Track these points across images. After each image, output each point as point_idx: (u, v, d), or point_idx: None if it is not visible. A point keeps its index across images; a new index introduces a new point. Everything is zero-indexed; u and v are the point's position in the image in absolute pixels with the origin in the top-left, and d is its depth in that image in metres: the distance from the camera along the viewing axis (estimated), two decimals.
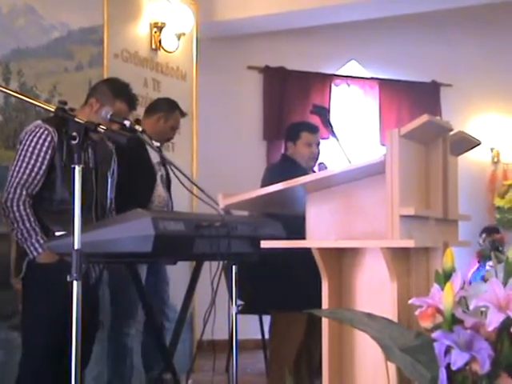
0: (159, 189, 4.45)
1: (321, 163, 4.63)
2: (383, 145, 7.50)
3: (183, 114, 4.69)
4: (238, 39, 7.31)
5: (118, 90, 3.58)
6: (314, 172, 4.57)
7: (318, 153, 4.57)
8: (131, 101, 3.62)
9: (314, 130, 4.58)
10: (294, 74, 7.73)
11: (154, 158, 4.46)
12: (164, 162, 4.39)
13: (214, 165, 6.61)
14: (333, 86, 7.91)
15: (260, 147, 7.51)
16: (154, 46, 5.54)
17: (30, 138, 3.35)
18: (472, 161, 7.81)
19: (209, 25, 6.37)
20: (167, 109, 4.57)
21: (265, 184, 3.91)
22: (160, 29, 5.56)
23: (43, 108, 2.77)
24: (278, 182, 2.45)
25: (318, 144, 4.58)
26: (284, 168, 4.42)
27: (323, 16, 6.86)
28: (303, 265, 2.88)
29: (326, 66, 7.90)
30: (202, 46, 6.05)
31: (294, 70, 7.73)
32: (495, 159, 8.40)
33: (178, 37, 5.74)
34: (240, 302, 4.14)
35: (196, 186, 3.72)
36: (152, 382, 4.39)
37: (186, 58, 5.85)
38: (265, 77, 7.71)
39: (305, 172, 4.36)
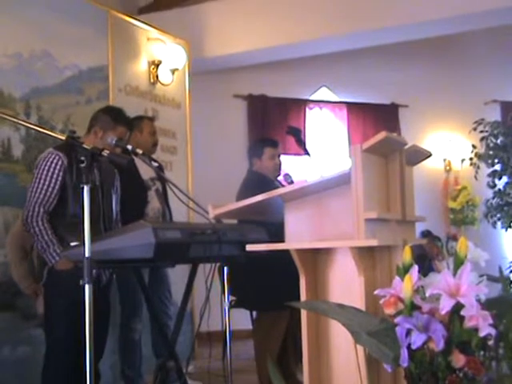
0: (153, 202, 4.38)
1: (286, 173, 4.59)
2: None
3: (151, 119, 4.66)
4: (224, 72, 7.32)
5: (116, 116, 3.58)
6: (279, 181, 4.53)
7: (280, 164, 4.50)
8: (129, 123, 3.65)
9: (275, 144, 4.53)
10: (274, 100, 7.75)
11: (145, 174, 4.37)
12: (162, 179, 4.36)
13: (206, 181, 6.58)
14: (307, 109, 7.94)
15: (246, 165, 7.46)
16: (152, 81, 5.54)
17: (44, 162, 3.36)
18: (428, 170, 7.90)
19: (199, 61, 6.38)
20: (136, 122, 4.41)
21: (240, 197, 3.86)
22: (157, 65, 5.57)
23: (55, 137, 2.78)
24: (252, 195, 2.44)
25: (279, 156, 4.51)
26: (255, 182, 4.33)
27: (298, 50, 6.86)
28: (283, 268, 2.85)
29: (301, 93, 7.92)
30: (194, 79, 6.05)
31: (273, 97, 7.75)
32: (447, 168, 8.47)
33: (173, 72, 5.74)
34: (232, 298, 4.10)
35: (190, 198, 3.71)
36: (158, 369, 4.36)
37: (179, 90, 5.85)
38: (248, 103, 7.72)
39: (272, 182, 4.33)
